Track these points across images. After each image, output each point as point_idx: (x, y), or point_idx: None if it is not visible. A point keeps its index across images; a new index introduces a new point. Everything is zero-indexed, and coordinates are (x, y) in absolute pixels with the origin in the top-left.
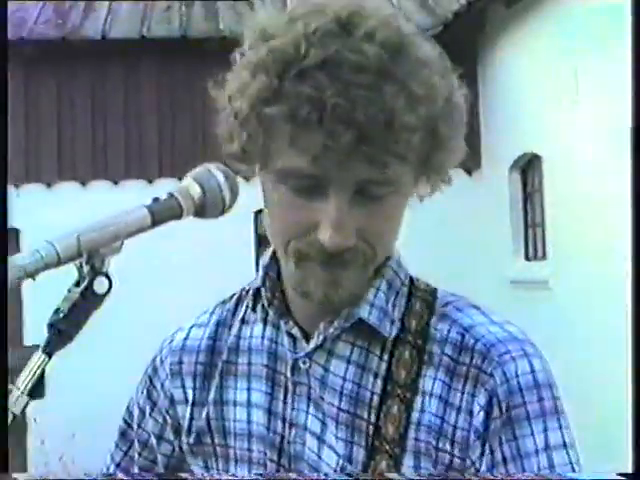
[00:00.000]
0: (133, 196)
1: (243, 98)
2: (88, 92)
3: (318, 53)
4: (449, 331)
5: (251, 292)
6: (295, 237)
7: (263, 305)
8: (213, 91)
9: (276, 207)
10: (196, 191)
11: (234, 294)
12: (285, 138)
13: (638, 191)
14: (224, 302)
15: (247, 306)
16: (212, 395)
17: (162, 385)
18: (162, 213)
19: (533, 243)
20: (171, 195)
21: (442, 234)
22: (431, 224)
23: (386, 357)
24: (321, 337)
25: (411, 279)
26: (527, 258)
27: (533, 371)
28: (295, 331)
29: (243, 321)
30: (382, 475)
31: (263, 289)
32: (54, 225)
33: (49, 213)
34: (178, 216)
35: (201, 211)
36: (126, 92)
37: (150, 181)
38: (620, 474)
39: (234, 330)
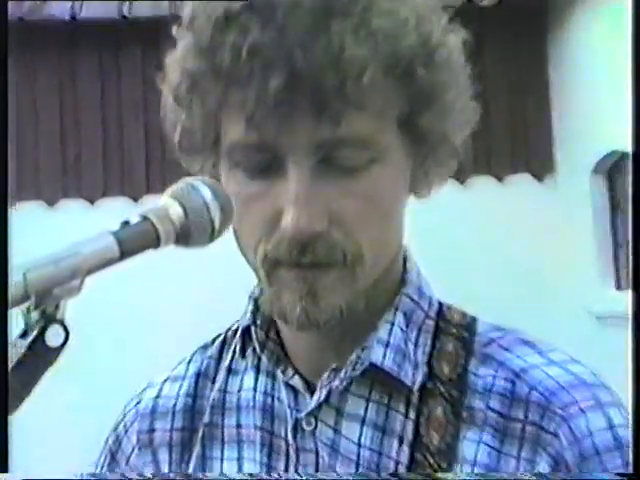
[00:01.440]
0: (113, 218)
1: (174, 69)
2: (54, 89)
3: None
4: (495, 378)
5: (239, 332)
6: (261, 236)
7: (254, 349)
8: (159, 82)
9: (237, 203)
10: (176, 212)
11: (218, 336)
12: (218, 102)
13: (638, 192)
14: (205, 347)
15: (234, 351)
16: (192, 468)
17: (127, 460)
18: (133, 241)
19: (625, 267)
20: (144, 218)
21: (506, 255)
22: (493, 242)
23: (412, 414)
24: (325, 390)
25: (440, 309)
26: (618, 286)
27: (612, 426)
28: (296, 381)
29: (230, 371)
30: None
31: (253, 328)
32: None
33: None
34: (154, 244)
35: (184, 238)
36: (103, 88)
37: (135, 199)
38: (620, 474)
39: (219, 383)
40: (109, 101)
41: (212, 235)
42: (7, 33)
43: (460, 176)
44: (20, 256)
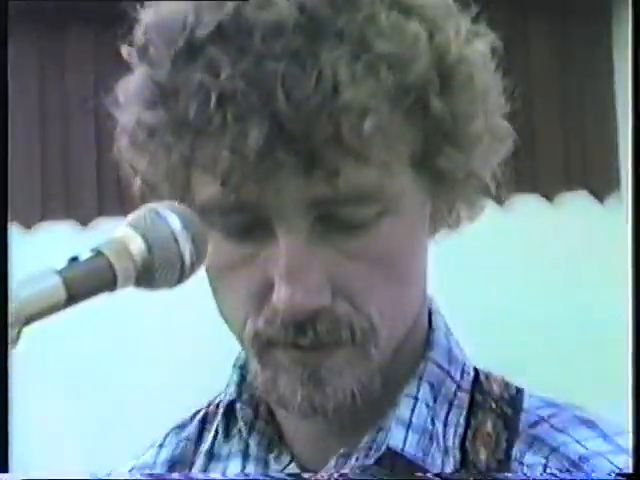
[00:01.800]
0: (56, 247)
1: (127, 110)
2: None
3: (212, 17)
4: (545, 467)
5: (222, 408)
6: (249, 312)
7: (240, 430)
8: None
9: (218, 271)
10: (137, 246)
11: (197, 411)
12: (183, 158)
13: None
14: (182, 426)
15: (216, 431)
16: None
17: None
18: (84, 282)
19: None
20: (98, 252)
21: (558, 294)
22: (539, 276)
23: None
24: None
25: (476, 378)
26: None
27: None
28: (293, 470)
29: (211, 456)
30: None
31: (239, 404)
32: None
33: None
34: (109, 286)
35: (146, 277)
36: (44, 83)
37: (84, 223)
38: (620, 474)
39: (196, 471)
40: (50, 98)
41: (181, 274)
42: (7, 33)
43: (498, 195)
44: None
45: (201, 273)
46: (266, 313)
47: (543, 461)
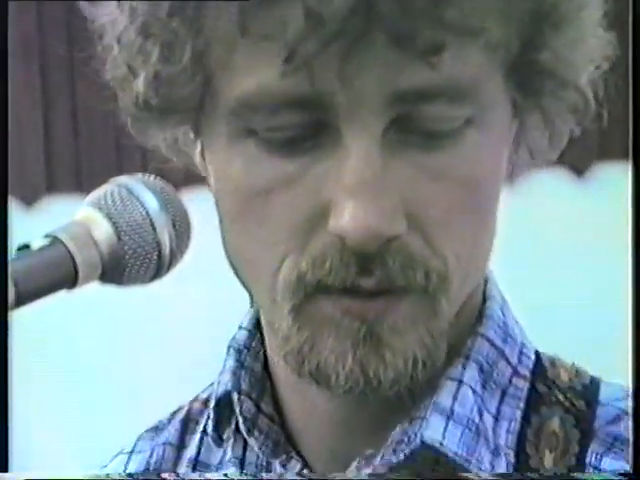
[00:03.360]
0: None
1: None
2: None
3: None
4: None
5: (212, 403)
6: (289, 249)
7: (237, 428)
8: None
9: (247, 197)
10: (103, 231)
11: (177, 410)
12: (228, 30)
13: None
14: (158, 428)
15: (204, 432)
16: None
17: None
18: (37, 277)
19: None
20: (54, 240)
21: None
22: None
23: None
24: None
25: (538, 363)
26: None
27: None
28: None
29: (196, 464)
30: None
31: (236, 396)
32: None
33: None
34: (69, 280)
35: (114, 270)
36: None
37: (28, 203)
38: (620, 474)
39: None
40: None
41: (158, 267)
42: (7, 33)
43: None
44: None
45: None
46: (315, 248)
47: (627, 467)
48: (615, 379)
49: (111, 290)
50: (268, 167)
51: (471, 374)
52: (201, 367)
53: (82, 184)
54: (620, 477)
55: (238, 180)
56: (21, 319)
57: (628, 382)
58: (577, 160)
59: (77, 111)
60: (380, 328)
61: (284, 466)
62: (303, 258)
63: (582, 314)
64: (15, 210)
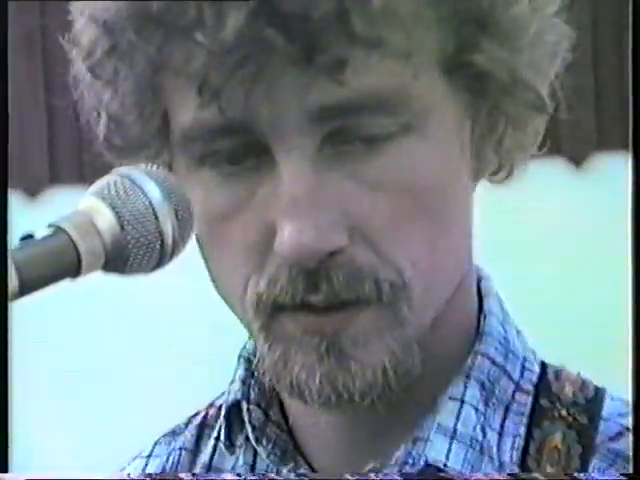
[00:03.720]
0: None
1: (83, 23)
2: None
3: None
4: None
5: (223, 410)
6: (250, 271)
7: (248, 436)
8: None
9: (208, 224)
10: (106, 220)
11: (193, 416)
12: (153, 64)
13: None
14: (175, 433)
15: (217, 439)
16: None
17: None
18: (40, 266)
19: None
20: (57, 229)
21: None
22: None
23: None
24: None
25: (542, 376)
26: None
27: None
28: None
29: (209, 470)
30: None
31: (245, 404)
32: None
33: None
34: (72, 270)
35: (118, 260)
36: None
37: (32, 194)
38: (621, 474)
39: None
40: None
41: (161, 256)
42: (7, 33)
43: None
44: None
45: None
46: (270, 269)
47: None
48: (614, 370)
49: (111, 290)
50: (221, 193)
51: (473, 393)
52: (201, 367)
53: (85, 175)
54: (620, 477)
55: (199, 208)
56: (22, 318)
57: (628, 374)
58: (575, 150)
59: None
60: (341, 341)
61: (292, 471)
62: (261, 279)
63: (581, 306)
64: (18, 201)
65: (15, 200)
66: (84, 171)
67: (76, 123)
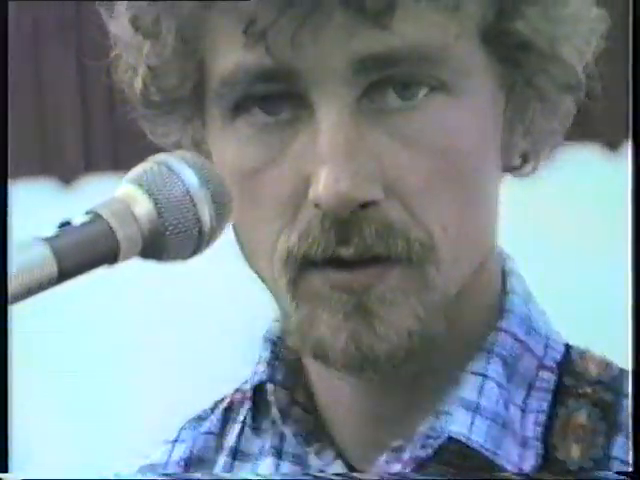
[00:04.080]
0: (37, 208)
1: None
2: None
3: None
4: None
5: (249, 393)
6: (280, 226)
7: (273, 420)
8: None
9: (240, 181)
10: (144, 207)
11: (221, 400)
12: (196, 12)
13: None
14: (200, 418)
15: (244, 422)
16: None
17: None
18: (78, 253)
19: None
20: (95, 216)
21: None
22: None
23: None
24: None
25: (566, 355)
26: None
27: None
28: (337, 469)
29: (236, 453)
30: None
31: (271, 386)
32: None
33: None
34: (110, 256)
35: (155, 246)
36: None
37: (67, 181)
38: (619, 472)
39: (219, 472)
40: (20, 37)
41: (199, 242)
42: (7, 33)
43: (592, 95)
44: None
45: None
46: (301, 222)
47: None
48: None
49: (110, 290)
50: (255, 145)
51: (495, 368)
52: (201, 366)
53: (119, 163)
54: (621, 477)
55: (232, 162)
56: (21, 318)
57: (628, 373)
58: (610, 135)
59: (114, 91)
60: (368, 299)
61: (318, 455)
62: (292, 233)
63: (618, 297)
64: (53, 189)
65: (50, 188)
66: (119, 158)
67: (110, 110)
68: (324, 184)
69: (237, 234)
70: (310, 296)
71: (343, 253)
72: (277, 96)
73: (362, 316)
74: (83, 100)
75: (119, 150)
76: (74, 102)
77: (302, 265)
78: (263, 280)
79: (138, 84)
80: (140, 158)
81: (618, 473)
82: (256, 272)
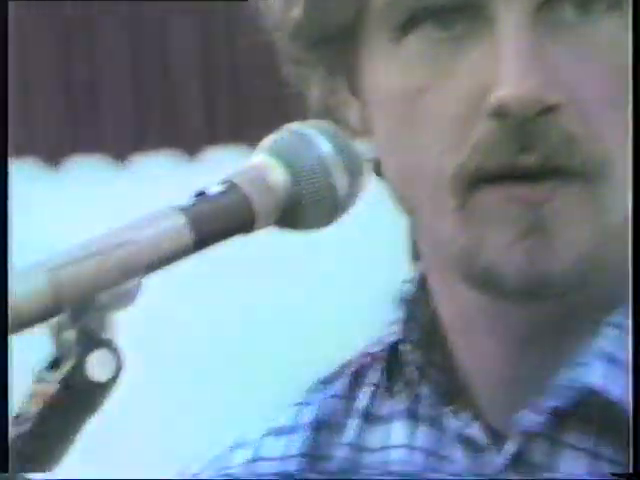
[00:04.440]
0: (152, 181)
1: None
2: None
3: None
4: None
5: (383, 355)
6: (450, 143)
7: (407, 382)
8: None
9: (404, 101)
10: (279, 176)
11: (347, 363)
12: None
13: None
14: (327, 381)
15: (376, 385)
16: None
17: None
18: (214, 221)
19: None
20: (231, 185)
21: None
22: None
23: None
24: (516, 442)
25: None
26: None
27: None
28: (475, 432)
29: (368, 417)
30: None
31: (405, 346)
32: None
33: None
34: (246, 225)
35: (291, 215)
36: None
37: (191, 153)
38: (618, 474)
39: (350, 436)
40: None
41: (334, 211)
42: (7, 33)
43: None
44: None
45: None
46: (474, 137)
47: None
48: None
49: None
50: (423, 63)
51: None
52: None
53: (242, 135)
54: (621, 477)
55: (394, 86)
56: None
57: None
58: None
59: (237, 64)
60: (547, 213)
61: (456, 416)
62: (463, 149)
63: None
64: (178, 161)
65: (174, 160)
66: (241, 131)
67: (233, 82)
68: (511, 83)
69: (390, 174)
70: (480, 216)
71: (524, 162)
72: (452, 9)
73: (540, 233)
74: (204, 72)
75: (242, 122)
76: (195, 73)
77: (474, 181)
78: (412, 212)
79: (293, 15)
80: (263, 130)
81: (617, 475)
82: (406, 204)
